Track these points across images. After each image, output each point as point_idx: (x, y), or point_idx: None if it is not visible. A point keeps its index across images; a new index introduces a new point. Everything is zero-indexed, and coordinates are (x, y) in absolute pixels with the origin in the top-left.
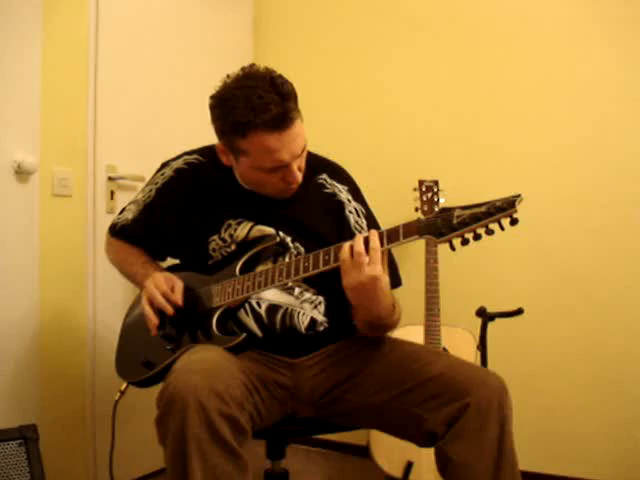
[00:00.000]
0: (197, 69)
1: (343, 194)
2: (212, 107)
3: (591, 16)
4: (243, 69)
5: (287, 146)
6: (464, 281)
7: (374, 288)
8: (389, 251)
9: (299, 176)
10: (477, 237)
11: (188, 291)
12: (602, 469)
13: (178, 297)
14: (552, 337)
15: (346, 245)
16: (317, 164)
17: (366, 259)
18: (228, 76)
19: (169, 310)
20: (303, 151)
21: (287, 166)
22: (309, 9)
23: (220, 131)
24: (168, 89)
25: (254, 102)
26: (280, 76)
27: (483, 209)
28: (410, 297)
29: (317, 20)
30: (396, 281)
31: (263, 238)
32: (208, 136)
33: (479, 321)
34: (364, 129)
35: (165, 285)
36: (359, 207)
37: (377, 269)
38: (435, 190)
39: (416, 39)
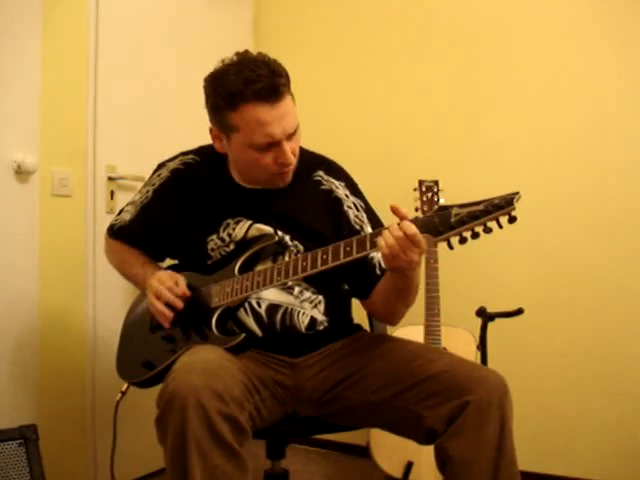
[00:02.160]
0: (197, 69)
1: (340, 190)
2: (205, 86)
3: (591, 17)
4: (237, 53)
5: (278, 121)
6: (464, 281)
7: (419, 264)
8: None
9: (292, 158)
10: (475, 235)
11: (188, 289)
12: (602, 469)
13: (184, 289)
14: (552, 337)
15: (394, 227)
16: (313, 161)
17: (409, 242)
18: (222, 60)
19: (178, 304)
20: (295, 132)
21: (279, 144)
22: (309, 9)
23: (213, 108)
24: (168, 89)
25: (246, 74)
26: (274, 60)
27: (481, 207)
28: None
29: (317, 20)
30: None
31: (261, 237)
32: (207, 136)
33: (479, 321)
34: (364, 129)
35: (170, 281)
36: (358, 201)
37: (423, 246)
38: (435, 190)
39: (416, 40)
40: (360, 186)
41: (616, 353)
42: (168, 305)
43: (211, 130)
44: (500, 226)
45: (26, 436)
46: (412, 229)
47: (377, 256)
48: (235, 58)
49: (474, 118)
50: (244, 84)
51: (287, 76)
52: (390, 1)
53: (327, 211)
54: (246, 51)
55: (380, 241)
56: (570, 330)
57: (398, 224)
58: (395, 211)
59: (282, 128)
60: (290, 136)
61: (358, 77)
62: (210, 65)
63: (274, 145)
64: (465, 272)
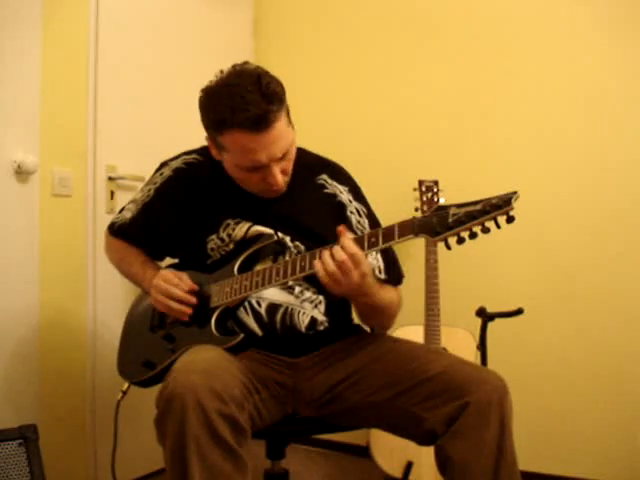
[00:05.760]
0: (197, 69)
1: (344, 195)
2: (199, 101)
3: (590, 17)
4: (234, 66)
5: (265, 148)
6: (464, 281)
7: (367, 284)
8: (390, 247)
9: (280, 179)
10: (473, 235)
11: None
12: (602, 469)
13: (191, 284)
14: (552, 337)
15: (327, 259)
16: (317, 164)
17: (351, 264)
18: (221, 72)
19: (191, 299)
20: (286, 154)
21: (267, 166)
22: (309, 9)
23: (204, 125)
24: (168, 89)
25: (234, 101)
26: (268, 75)
27: (479, 207)
28: (410, 297)
29: (317, 20)
30: (398, 277)
31: (261, 237)
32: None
33: (479, 321)
34: (364, 129)
35: (175, 278)
36: (360, 207)
37: (364, 267)
38: (435, 190)
39: (416, 40)
40: (363, 190)
41: (616, 353)
42: (160, 312)
43: (206, 139)
44: (498, 226)
45: (26, 436)
46: (353, 248)
47: (373, 263)
48: (232, 73)
49: (474, 118)
50: (231, 112)
51: (280, 97)
52: (390, 1)
53: (329, 214)
54: (244, 64)
55: (317, 265)
56: (570, 330)
57: (340, 246)
58: (339, 233)
59: (268, 155)
60: (279, 159)
61: (358, 76)
62: (210, 66)
63: (262, 167)
64: (465, 272)
